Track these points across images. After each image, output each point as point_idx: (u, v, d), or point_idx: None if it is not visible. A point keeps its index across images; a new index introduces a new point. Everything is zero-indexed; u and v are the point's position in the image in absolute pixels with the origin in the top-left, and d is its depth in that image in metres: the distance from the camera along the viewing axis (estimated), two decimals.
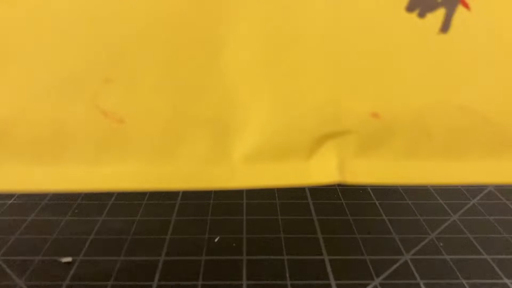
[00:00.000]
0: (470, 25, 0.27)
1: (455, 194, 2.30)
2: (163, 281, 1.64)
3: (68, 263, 1.69)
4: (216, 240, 1.90)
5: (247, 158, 0.23)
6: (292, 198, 2.23)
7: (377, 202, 2.25)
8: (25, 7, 0.20)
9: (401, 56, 0.24)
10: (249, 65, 0.22)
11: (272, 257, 1.83)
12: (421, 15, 0.26)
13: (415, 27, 0.27)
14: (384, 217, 2.14)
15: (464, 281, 1.74)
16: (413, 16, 0.26)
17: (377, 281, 1.69)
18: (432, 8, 0.27)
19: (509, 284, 1.72)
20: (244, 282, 1.63)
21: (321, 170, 0.25)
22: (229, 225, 2.05)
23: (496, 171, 0.25)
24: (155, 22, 0.20)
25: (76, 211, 2.10)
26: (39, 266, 1.69)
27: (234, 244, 1.86)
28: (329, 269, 1.77)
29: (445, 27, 0.27)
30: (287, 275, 1.74)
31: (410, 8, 0.26)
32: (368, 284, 1.68)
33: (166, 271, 1.73)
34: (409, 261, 1.83)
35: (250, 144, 0.23)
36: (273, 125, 0.24)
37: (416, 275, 1.77)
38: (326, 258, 1.84)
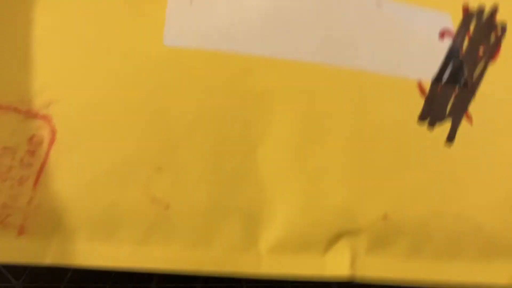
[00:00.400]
0: (472, 138, 0.29)
1: None
2: (162, 283, 1.44)
3: None
4: None
5: (272, 249, 0.26)
6: None
7: None
8: (89, 97, 0.22)
9: (411, 165, 0.28)
10: (280, 164, 0.26)
11: None
12: (431, 124, 0.28)
13: (424, 139, 0.29)
14: None
15: None
16: (424, 128, 0.28)
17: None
18: (441, 118, 0.29)
19: None
20: (244, 285, 1.52)
21: (335, 265, 0.28)
22: None
23: (487, 273, 0.29)
24: (200, 119, 0.23)
25: None
26: (37, 268, 1.37)
27: None
28: None
29: (450, 138, 0.29)
30: None
31: (422, 117, 0.28)
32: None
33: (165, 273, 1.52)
34: None
35: (275, 236, 0.26)
36: (296, 220, 0.27)
37: None
38: None
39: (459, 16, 0.31)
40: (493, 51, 0.31)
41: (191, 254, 0.24)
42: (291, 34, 0.28)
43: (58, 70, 0.23)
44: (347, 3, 0.30)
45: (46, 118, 0.22)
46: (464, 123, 0.29)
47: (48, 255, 0.22)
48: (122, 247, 0.23)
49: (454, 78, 0.30)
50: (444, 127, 0.29)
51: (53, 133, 0.22)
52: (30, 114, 0.22)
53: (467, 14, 0.31)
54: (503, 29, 0.31)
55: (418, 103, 0.29)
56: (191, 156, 0.23)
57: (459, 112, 0.29)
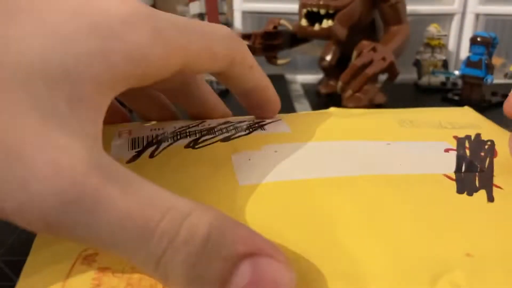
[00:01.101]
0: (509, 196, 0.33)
1: None
2: None
3: None
4: None
5: None
6: None
7: None
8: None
9: (464, 220, 0.30)
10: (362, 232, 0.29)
11: None
12: (469, 195, 0.32)
13: (468, 200, 0.32)
14: None
15: None
16: (464, 195, 0.32)
17: None
18: (476, 191, 0.33)
19: None
20: None
21: None
22: None
23: None
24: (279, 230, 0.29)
25: None
26: None
27: None
28: None
29: (490, 200, 0.33)
30: None
31: (459, 192, 0.33)
32: None
33: None
34: None
35: None
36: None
37: None
38: None
39: (454, 143, 0.40)
40: (492, 153, 0.38)
41: None
42: (331, 164, 0.36)
43: None
44: (364, 144, 0.40)
45: None
46: (495, 189, 0.33)
47: None
48: None
49: (471, 168, 0.36)
50: (481, 194, 0.33)
51: None
52: None
53: (459, 139, 0.41)
54: (492, 142, 0.40)
55: (451, 185, 0.34)
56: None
57: (488, 185, 0.34)
